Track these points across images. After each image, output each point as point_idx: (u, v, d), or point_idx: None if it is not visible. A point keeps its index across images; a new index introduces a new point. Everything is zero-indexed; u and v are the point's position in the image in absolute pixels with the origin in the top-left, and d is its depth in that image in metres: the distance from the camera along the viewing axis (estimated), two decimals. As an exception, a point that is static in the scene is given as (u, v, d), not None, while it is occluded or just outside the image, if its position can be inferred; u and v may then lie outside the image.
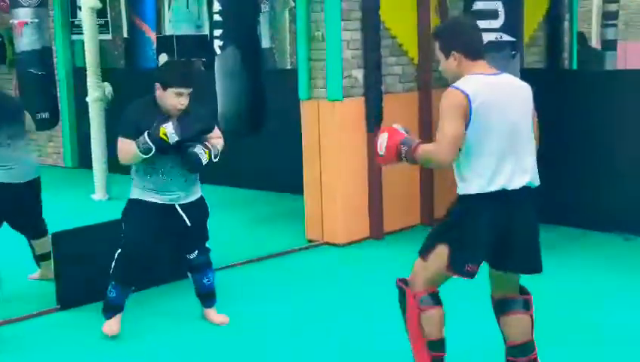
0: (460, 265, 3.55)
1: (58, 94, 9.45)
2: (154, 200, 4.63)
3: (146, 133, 4.44)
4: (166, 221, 4.65)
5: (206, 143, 4.62)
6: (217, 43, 6.74)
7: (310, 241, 6.62)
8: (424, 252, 3.66)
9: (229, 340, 4.66)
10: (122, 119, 4.60)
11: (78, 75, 9.88)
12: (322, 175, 6.58)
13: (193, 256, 4.83)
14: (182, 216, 4.66)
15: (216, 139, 4.79)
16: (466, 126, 3.43)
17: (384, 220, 6.69)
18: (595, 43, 11.61)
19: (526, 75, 6.00)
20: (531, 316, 3.69)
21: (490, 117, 3.45)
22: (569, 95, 6.76)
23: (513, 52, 5.77)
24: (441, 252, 3.59)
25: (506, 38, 5.76)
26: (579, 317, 4.81)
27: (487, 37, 5.71)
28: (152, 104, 4.60)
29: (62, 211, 7.72)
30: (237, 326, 4.86)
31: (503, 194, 3.48)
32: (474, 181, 3.49)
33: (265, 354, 4.48)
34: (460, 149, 3.46)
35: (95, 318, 4.90)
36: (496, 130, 3.46)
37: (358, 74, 6.55)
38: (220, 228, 6.99)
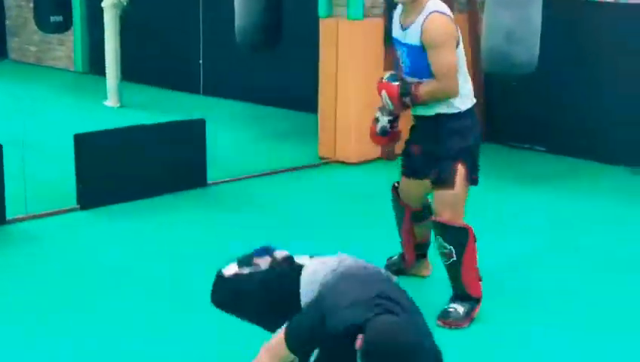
0: (472, 178, 3.89)
1: (71, -2, 9.38)
2: None
3: None
4: None
5: None
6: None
7: (322, 159, 6.72)
8: (449, 181, 3.80)
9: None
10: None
11: (92, -20, 9.81)
12: (338, 94, 6.62)
13: None
14: None
15: None
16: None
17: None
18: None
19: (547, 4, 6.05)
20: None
21: (459, 38, 3.83)
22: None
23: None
24: (462, 171, 3.82)
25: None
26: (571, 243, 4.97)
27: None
28: None
29: (77, 116, 7.82)
30: (241, 234, 4.89)
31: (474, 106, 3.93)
32: (464, 98, 3.83)
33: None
34: None
35: (111, 219, 5.05)
36: (462, 50, 3.86)
37: (379, -6, 6.55)
38: (233, 142, 7.17)
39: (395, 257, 4.39)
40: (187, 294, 4.05)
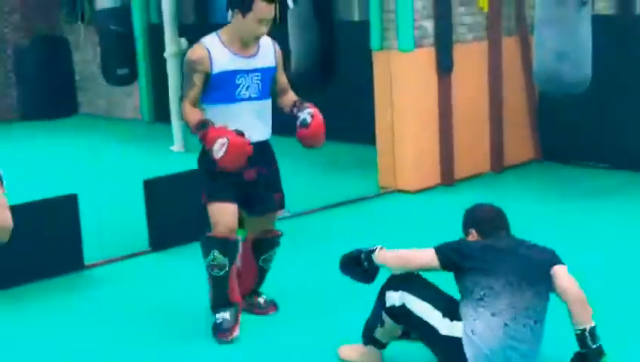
0: None
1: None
2: None
3: None
4: None
5: None
6: (290, -4, 6.94)
7: (383, 188, 6.83)
8: (284, 202, 4.26)
9: (305, 283, 4.91)
10: None
11: (153, 31, 10.20)
12: (394, 124, 6.75)
13: None
14: None
15: None
16: None
17: (455, 167, 6.86)
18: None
19: (597, 22, 6.09)
20: None
21: None
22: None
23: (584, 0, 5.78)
24: None
25: (577, -15, 5.77)
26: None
27: (557, -15, 5.81)
28: None
29: (145, 162, 8.14)
30: (310, 271, 5.04)
31: None
32: None
33: (338, 293, 4.72)
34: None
35: (181, 259, 5.27)
36: None
37: (429, 24, 6.68)
38: (293, 176, 7.27)
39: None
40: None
